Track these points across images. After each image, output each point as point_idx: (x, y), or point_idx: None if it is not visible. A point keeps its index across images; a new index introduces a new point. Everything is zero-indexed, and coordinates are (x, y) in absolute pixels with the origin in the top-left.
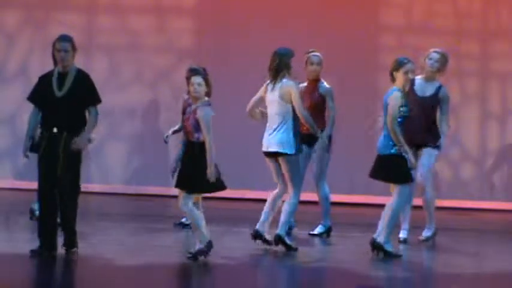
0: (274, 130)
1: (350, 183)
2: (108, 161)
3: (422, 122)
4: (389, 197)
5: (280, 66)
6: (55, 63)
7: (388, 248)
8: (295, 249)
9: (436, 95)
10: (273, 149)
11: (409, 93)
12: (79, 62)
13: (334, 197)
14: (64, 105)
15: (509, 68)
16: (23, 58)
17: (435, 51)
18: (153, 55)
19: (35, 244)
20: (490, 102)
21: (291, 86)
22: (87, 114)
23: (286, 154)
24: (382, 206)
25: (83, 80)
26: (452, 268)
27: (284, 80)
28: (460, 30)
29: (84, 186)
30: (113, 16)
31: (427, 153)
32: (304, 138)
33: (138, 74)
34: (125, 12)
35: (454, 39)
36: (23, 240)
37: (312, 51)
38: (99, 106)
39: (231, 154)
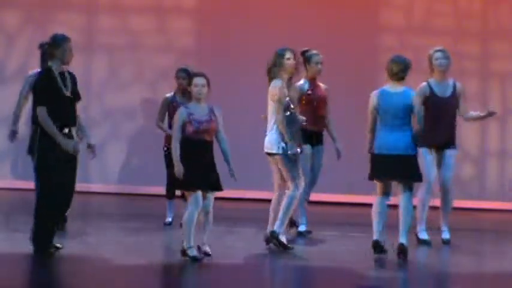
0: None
1: (349, 183)
2: (108, 161)
3: (446, 123)
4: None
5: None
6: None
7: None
8: (290, 248)
9: (454, 92)
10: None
11: (429, 96)
12: (79, 62)
13: (334, 197)
14: (71, 104)
15: (509, 68)
16: (22, 58)
17: (439, 51)
18: (153, 55)
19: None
20: (490, 102)
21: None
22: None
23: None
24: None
25: (75, 78)
26: (452, 268)
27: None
28: (460, 30)
29: (84, 186)
30: (113, 16)
31: (451, 154)
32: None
33: (138, 74)
34: (125, 12)
35: (454, 39)
36: (22, 240)
37: (309, 50)
38: (99, 106)
39: (231, 154)
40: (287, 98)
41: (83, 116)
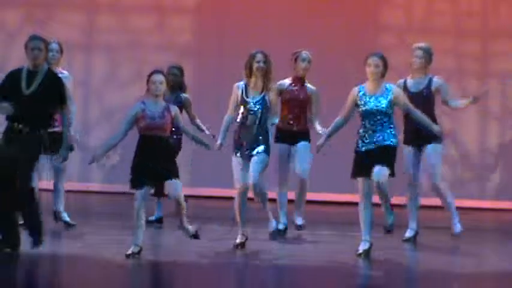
0: None
1: (350, 182)
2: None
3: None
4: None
5: None
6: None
7: None
8: None
9: (428, 87)
10: None
11: (404, 90)
12: (80, 60)
13: (335, 197)
14: (31, 103)
15: (509, 67)
16: (23, 57)
17: (418, 48)
18: (153, 54)
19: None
20: (490, 102)
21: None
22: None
23: None
24: (379, 205)
25: (53, 79)
26: (453, 268)
27: None
28: (460, 29)
29: (84, 186)
30: (113, 15)
31: (432, 150)
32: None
33: (139, 72)
34: (126, 11)
35: (454, 38)
36: (23, 240)
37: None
38: (99, 105)
39: (230, 154)
40: (238, 102)
41: (82, 115)
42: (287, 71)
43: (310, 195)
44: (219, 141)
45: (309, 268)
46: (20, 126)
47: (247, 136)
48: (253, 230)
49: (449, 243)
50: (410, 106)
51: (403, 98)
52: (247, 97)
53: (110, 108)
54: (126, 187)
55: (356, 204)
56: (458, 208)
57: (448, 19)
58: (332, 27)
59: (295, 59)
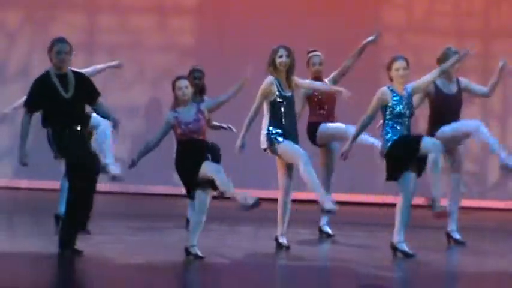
0: None
1: (352, 182)
2: None
3: (453, 119)
4: (389, 196)
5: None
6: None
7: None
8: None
9: (459, 89)
10: None
11: (437, 93)
12: (81, 61)
13: (336, 196)
14: (73, 106)
15: (510, 67)
16: (23, 58)
17: (457, 53)
18: (154, 54)
19: (35, 243)
20: (491, 102)
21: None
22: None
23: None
24: (383, 205)
25: (82, 78)
26: (453, 267)
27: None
28: (461, 29)
29: None
30: (114, 15)
31: (460, 152)
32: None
33: (140, 73)
34: (127, 11)
35: (455, 38)
36: (23, 240)
37: (313, 51)
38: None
39: (231, 153)
40: (276, 97)
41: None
42: None
43: (312, 195)
44: (240, 142)
45: (310, 268)
46: (76, 127)
47: (291, 131)
48: (253, 229)
49: (450, 242)
50: (431, 76)
51: (418, 83)
52: (284, 92)
53: (112, 108)
54: (129, 187)
55: (357, 204)
56: (458, 207)
57: (449, 19)
58: (332, 27)
59: (307, 61)
